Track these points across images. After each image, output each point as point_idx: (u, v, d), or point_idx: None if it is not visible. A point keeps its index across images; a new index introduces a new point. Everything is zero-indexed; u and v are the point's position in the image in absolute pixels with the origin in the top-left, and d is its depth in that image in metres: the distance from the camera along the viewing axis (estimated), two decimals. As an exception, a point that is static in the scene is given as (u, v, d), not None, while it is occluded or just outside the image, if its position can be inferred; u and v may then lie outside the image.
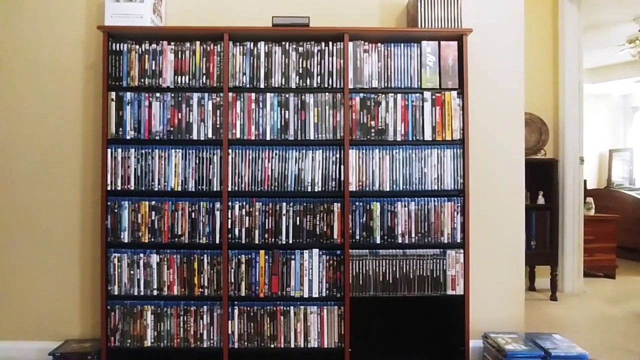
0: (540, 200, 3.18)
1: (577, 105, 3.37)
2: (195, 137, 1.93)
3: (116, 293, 1.92)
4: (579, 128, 3.38)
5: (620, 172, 6.08)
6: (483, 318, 2.09)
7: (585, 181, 3.67)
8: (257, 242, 1.92)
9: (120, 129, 1.92)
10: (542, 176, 3.17)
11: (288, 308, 1.93)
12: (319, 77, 1.94)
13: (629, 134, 6.39)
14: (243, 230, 1.92)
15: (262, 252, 1.92)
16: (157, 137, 1.93)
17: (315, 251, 1.92)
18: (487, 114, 2.13)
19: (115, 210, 1.92)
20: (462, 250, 1.93)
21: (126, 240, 1.92)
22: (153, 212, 1.92)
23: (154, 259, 1.92)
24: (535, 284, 3.40)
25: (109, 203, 1.91)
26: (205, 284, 1.92)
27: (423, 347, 1.93)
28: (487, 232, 2.12)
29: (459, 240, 1.93)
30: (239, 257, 1.92)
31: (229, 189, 1.91)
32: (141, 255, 1.92)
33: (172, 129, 1.93)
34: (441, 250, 1.93)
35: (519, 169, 2.16)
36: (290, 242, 1.92)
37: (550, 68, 3.45)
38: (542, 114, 3.32)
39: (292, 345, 1.92)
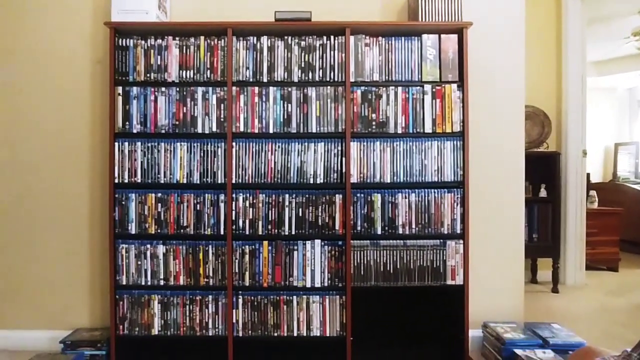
0: (543, 193, 3.19)
1: (580, 98, 3.36)
2: (200, 130, 1.97)
3: (124, 283, 1.97)
4: (582, 121, 3.37)
5: (625, 166, 6.04)
6: (483, 308, 2.12)
7: (588, 174, 3.67)
8: (260, 233, 1.96)
9: (127, 123, 1.97)
10: (544, 169, 3.18)
11: (291, 297, 1.97)
12: (321, 70, 1.97)
13: (634, 127, 6.35)
14: (247, 221, 1.96)
15: (265, 242, 1.96)
16: (163, 131, 1.97)
17: (318, 242, 1.96)
18: (487, 106, 2.15)
19: (123, 203, 1.97)
20: (461, 241, 1.96)
21: (133, 232, 1.97)
22: (159, 204, 1.97)
23: (161, 249, 1.97)
24: (537, 276, 3.42)
25: (116, 195, 1.96)
26: (210, 274, 1.97)
27: (423, 335, 1.97)
28: (486, 224, 2.14)
29: (458, 231, 1.96)
30: (243, 247, 1.97)
31: (233, 181, 1.95)
32: (148, 246, 1.97)
33: (177, 122, 1.97)
34: (441, 240, 1.96)
35: (519, 162, 2.17)
36: (293, 233, 1.96)
37: (554, 61, 3.44)
38: (545, 107, 3.32)
39: (295, 334, 1.97)
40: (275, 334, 1.97)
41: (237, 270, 1.97)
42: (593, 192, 3.85)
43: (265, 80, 1.97)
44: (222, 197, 1.96)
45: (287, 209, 1.96)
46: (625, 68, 5.52)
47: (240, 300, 1.97)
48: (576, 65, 3.35)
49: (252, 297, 1.97)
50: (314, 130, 1.96)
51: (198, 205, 1.97)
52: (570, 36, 3.34)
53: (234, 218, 1.96)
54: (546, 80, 3.43)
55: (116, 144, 1.96)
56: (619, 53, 5.27)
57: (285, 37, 1.97)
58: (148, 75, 1.97)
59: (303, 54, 1.97)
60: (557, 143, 3.41)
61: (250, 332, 1.97)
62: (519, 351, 1.80)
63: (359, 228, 1.96)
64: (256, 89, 1.97)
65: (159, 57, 1.97)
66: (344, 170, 1.95)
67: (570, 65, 3.35)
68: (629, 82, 6.16)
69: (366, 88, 1.97)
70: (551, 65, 3.44)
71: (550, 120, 3.28)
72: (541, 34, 3.40)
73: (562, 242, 3.31)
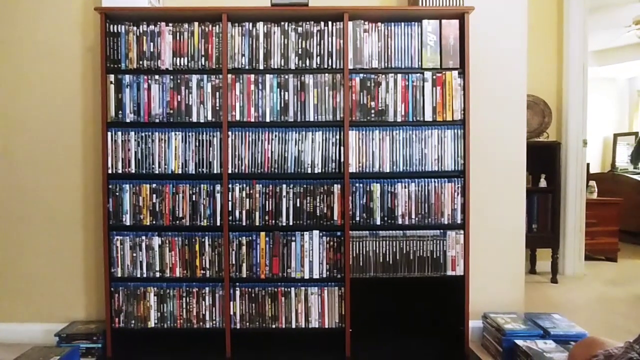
0: (542, 183, 3.17)
1: (581, 88, 3.32)
2: (194, 119, 1.92)
3: (119, 275, 1.94)
4: (582, 111, 3.34)
5: (624, 157, 6.02)
6: (483, 299, 2.10)
7: (588, 164, 3.64)
8: (257, 224, 1.93)
9: (120, 112, 1.92)
10: (544, 159, 3.15)
11: (289, 289, 1.94)
12: (318, 57, 1.92)
13: (634, 118, 6.32)
14: (244, 212, 1.93)
15: (262, 233, 1.93)
16: (157, 120, 1.92)
17: (316, 232, 1.93)
18: (488, 94, 2.11)
19: (117, 194, 1.93)
20: (462, 231, 1.93)
21: (128, 223, 1.93)
22: (154, 195, 1.93)
23: (156, 241, 1.94)
24: (536, 266, 3.41)
25: (110, 186, 1.92)
26: (207, 266, 1.94)
27: (423, 326, 1.95)
28: (487, 214, 2.12)
29: (459, 222, 1.93)
30: (240, 239, 1.93)
31: (229, 171, 1.92)
32: (143, 237, 1.94)
33: (171, 111, 1.92)
34: (441, 231, 1.93)
35: (520, 151, 2.14)
36: (291, 223, 1.93)
37: (555, 50, 3.40)
38: (545, 96, 3.28)
39: (293, 326, 1.94)
40: (274, 326, 1.94)
41: (234, 262, 1.94)
42: (592, 183, 3.83)
43: (261, 67, 1.92)
44: (218, 187, 1.92)
45: (284, 200, 1.93)
46: (626, 57, 5.48)
47: (238, 292, 1.94)
48: (577, 54, 3.31)
49: (250, 289, 1.94)
50: (311, 119, 1.92)
51: (194, 196, 1.93)
52: (571, 25, 3.29)
53: (230, 209, 1.92)
54: (547, 69, 3.39)
55: (109, 133, 1.91)
56: (619, 42, 5.22)
57: (282, 23, 1.92)
58: (141, 62, 1.92)
59: (300, 40, 1.92)
60: (557, 133, 3.38)
61: (248, 324, 1.94)
62: (519, 342, 1.78)
63: (357, 218, 1.93)
64: (252, 76, 1.92)
65: (151, 43, 1.92)
66: (342, 159, 1.91)
67: (571, 54, 3.30)
68: (629, 72, 6.12)
69: (365, 75, 1.92)
70: (552, 54, 3.39)
71: (550, 109, 3.24)
72: (542, 22, 3.35)
73: (561, 233, 3.30)
